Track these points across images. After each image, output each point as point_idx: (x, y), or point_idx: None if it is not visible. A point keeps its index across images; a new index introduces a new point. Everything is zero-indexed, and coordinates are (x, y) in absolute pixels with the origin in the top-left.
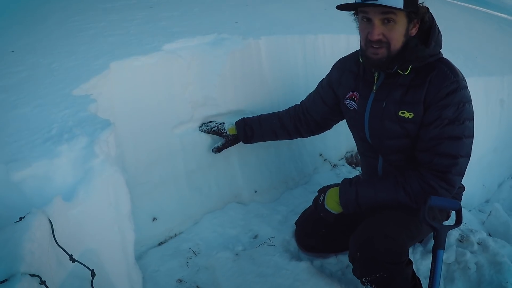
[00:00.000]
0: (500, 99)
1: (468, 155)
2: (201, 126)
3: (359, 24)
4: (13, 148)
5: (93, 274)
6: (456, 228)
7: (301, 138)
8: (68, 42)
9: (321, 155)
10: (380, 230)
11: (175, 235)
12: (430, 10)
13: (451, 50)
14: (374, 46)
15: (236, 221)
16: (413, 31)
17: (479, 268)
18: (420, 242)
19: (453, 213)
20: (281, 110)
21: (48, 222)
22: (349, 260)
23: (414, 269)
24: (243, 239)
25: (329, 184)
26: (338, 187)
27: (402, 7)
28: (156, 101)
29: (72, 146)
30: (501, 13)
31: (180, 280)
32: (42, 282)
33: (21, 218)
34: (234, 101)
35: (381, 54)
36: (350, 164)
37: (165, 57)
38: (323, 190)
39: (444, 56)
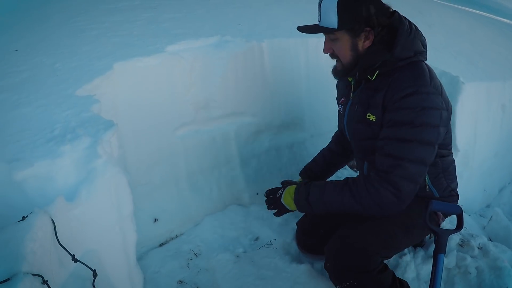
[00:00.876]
0: (502, 104)
1: (420, 161)
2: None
3: None
4: (16, 147)
5: (95, 274)
6: (457, 233)
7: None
8: (71, 42)
9: None
10: (348, 240)
11: (176, 236)
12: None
13: (453, 54)
14: (333, 58)
15: (237, 223)
16: (366, 43)
17: (479, 273)
18: (422, 246)
19: (454, 217)
20: (282, 114)
21: (51, 222)
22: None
23: (415, 274)
24: (244, 241)
25: (289, 180)
26: (293, 186)
27: (336, 28)
28: (158, 102)
29: (75, 147)
30: (503, 18)
31: (180, 282)
32: (44, 282)
33: (23, 218)
34: (236, 104)
35: (339, 66)
36: (351, 167)
37: (168, 58)
38: (284, 184)
39: (425, 59)
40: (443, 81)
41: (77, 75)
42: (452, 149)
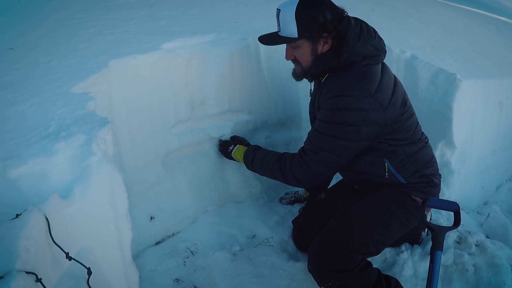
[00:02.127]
0: (499, 101)
1: (334, 153)
2: (280, 201)
3: None
4: (10, 145)
5: (89, 272)
6: (454, 230)
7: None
8: (67, 40)
9: None
10: (325, 242)
11: (173, 234)
12: (351, 18)
13: (450, 52)
14: (293, 63)
15: (233, 221)
16: (325, 47)
17: (477, 270)
18: (419, 243)
19: (451, 214)
20: (279, 112)
21: (45, 219)
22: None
23: (412, 271)
24: (241, 239)
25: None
26: (246, 148)
27: (297, 37)
28: (154, 100)
29: (70, 144)
30: (501, 16)
31: (177, 280)
32: (38, 280)
33: (17, 215)
34: (232, 101)
35: (297, 70)
36: None
37: (164, 56)
38: (235, 140)
39: (376, 63)
40: (440, 78)
41: (73, 72)
42: (449, 146)
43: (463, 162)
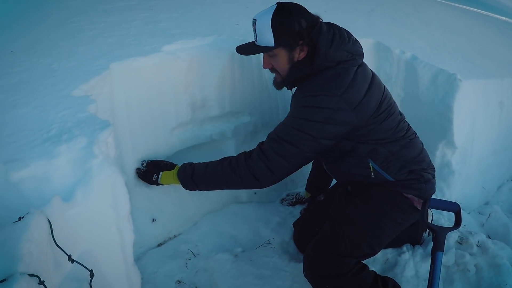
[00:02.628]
0: (500, 101)
1: (293, 144)
2: (282, 202)
3: None
4: (12, 148)
5: (92, 274)
6: (455, 230)
7: None
8: (68, 43)
9: None
10: (318, 248)
11: (174, 236)
12: (323, 24)
13: (450, 52)
14: (272, 72)
15: (235, 223)
16: (302, 55)
17: (478, 270)
18: (421, 244)
19: (452, 214)
20: (280, 113)
21: (47, 222)
22: None
23: (413, 271)
24: (242, 241)
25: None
26: (175, 169)
27: (273, 46)
28: (155, 102)
29: (71, 147)
30: (501, 15)
31: (179, 282)
32: (41, 282)
33: (20, 218)
34: (233, 103)
35: (277, 78)
36: None
37: (165, 58)
38: (155, 167)
39: (350, 66)
40: (440, 79)
41: (74, 75)
42: (450, 146)
43: (464, 162)
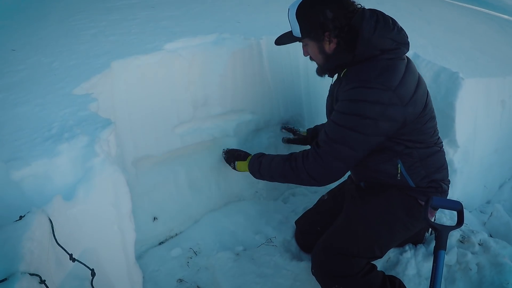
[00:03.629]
0: (502, 100)
1: (348, 146)
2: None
3: None
4: (13, 147)
5: (93, 273)
6: (457, 229)
7: None
8: (69, 41)
9: None
10: (329, 245)
11: (176, 234)
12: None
13: (452, 51)
14: (311, 60)
15: (236, 221)
16: (332, 46)
17: (480, 269)
18: (423, 242)
19: (455, 213)
20: (281, 111)
21: (48, 221)
22: None
23: (415, 270)
24: (244, 239)
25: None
26: (247, 160)
27: (300, 37)
28: (157, 100)
29: (73, 145)
30: (503, 14)
31: (180, 280)
32: (42, 281)
33: (21, 217)
34: (235, 101)
35: (317, 66)
36: None
37: (166, 56)
38: (232, 157)
39: (394, 56)
40: (442, 77)
41: (75, 73)
42: (452, 145)
43: (466, 161)
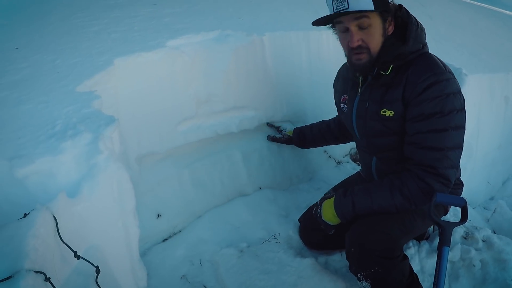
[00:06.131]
0: (505, 96)
1: (458, 146)
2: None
3: (339, 35)
4: (17, 144)
5: (97, 270)
6: (461, 225)
7: (347, 141)
8: (72, 39)
9: (325, 151)
10: (372, 226)
11: (179, 231)
12: (405, 7)
13: (455, 46)
14: (356, 52)
15: (240, 218)
16: (390, 29)
17: (484, 266)
18: (427, 239)
19: (458, 209)
20: (284, 108)
21: (53, 218)
22: (346, 258)
23: (419, 267)
24: (248, 236)
25: (328, 194)
26: (333, 198)
27: (373, 9)
28: (160, 97)
29: (76, 143)
30: (506, 10)
31: (184, 276)
32: (47, 279)
33: (25, 215)
34: (238, 98)
35: (364, 59)
36: (354, 160)
37: (169, 53)
38: (322, 200)
39: (429, 51)
40: None
41: (78, 71)
42: None
43: (469, 157)
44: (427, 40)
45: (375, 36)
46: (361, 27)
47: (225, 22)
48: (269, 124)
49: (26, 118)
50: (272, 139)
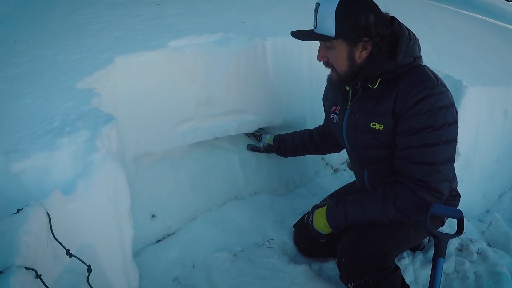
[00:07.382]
0: (504, 109)
1: (449, 159)
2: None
3: None
4: (14, 139)
5: (89, 269)
6: (456, 237)
7: (328, 152)
8: (74, 35)
9: (322, 159)
10: (364, 237)
11: (173, 233)
12: (398, 20)
13: (456, 58)
14: (327, 67)
15: (235, 222)
16: (363, 54)
17: (477, 278)
18: (421, 249)
19: (453, 221)
20: (284, 113)
21: (46, 215)
22: (337, 267)
23: (413, 277)
24: (242, 240)
25: (322, 202)
26: (325, 208)
27: (334, 36)
28: (159, 98)
29: (73, 139)
30: (507, 24)
31: (176, 279)
32: (38, 276)
33: (18, 210)
34: (237, 101)
35: (333, 76)
36: (351, 169)
37: (170, 54)
38: (314, 209)
39: (422, 63)
40: (446, 84)
41: (78, 68)
42: None
43: (467, 169)
44: (428, 51)
45: (338, 59)
46: (327, 46)
47: (228, 25)
48: (248, 134)
49: (24, 113)
50: (252, 148)
